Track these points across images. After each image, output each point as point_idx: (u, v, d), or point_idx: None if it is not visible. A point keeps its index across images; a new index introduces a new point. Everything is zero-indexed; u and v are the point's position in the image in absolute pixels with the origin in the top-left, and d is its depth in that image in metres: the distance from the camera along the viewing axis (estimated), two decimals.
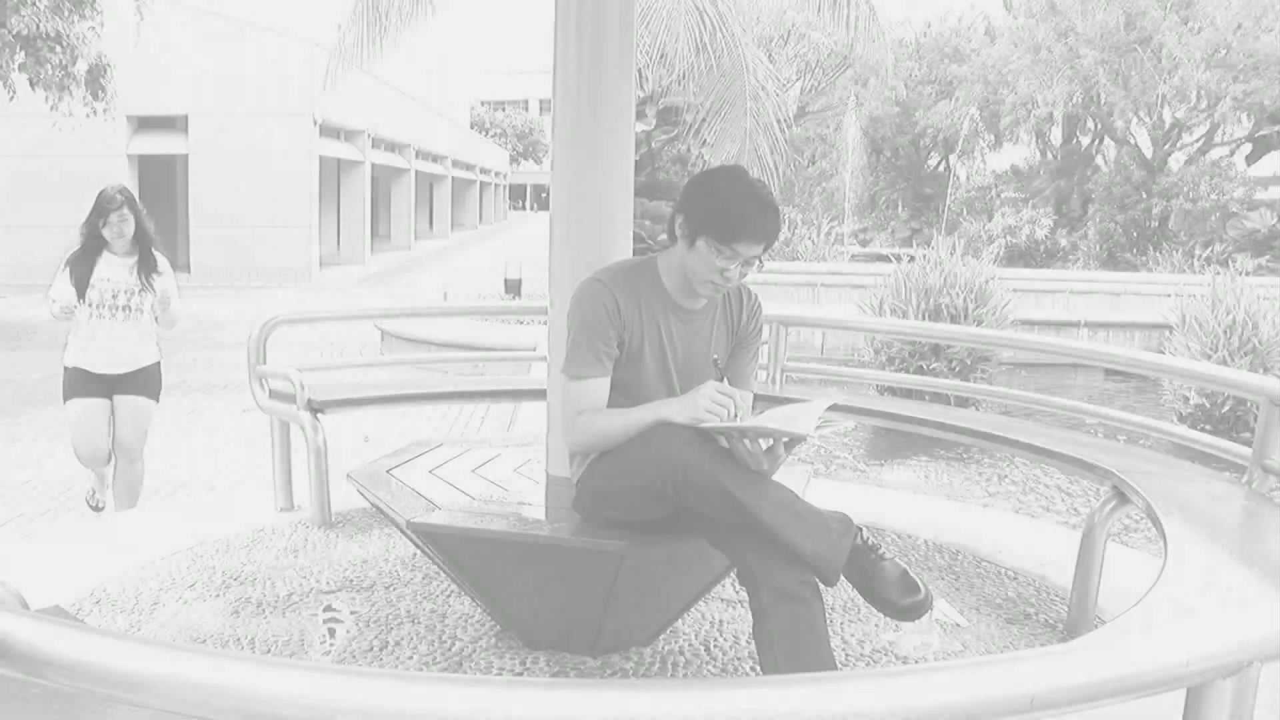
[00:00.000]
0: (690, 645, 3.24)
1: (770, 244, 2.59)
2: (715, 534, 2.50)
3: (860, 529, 2.44)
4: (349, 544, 4.16)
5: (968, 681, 1.19)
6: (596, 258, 3.07)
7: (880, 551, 2.42)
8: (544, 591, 2.99)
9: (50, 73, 12.29)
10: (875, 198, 35.63)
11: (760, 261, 2.62)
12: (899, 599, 2.37)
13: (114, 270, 4.97)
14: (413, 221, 32.38)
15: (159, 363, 5.22)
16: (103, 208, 4.94)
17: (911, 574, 2.39)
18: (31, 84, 12.53)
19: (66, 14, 12.03)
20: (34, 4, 11.45)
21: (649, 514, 2.63)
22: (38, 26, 11.50)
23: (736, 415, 2.50)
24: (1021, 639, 3.44)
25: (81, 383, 5.01)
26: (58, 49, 12.08)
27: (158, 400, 5.22)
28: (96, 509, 5.33)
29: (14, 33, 11.46)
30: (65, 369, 5.06)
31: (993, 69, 28.99)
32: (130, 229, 4.98)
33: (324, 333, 13.16)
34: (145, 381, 5.13)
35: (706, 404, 2.47)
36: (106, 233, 4.94)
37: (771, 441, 2.43)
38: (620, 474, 2.60)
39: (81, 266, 4.94)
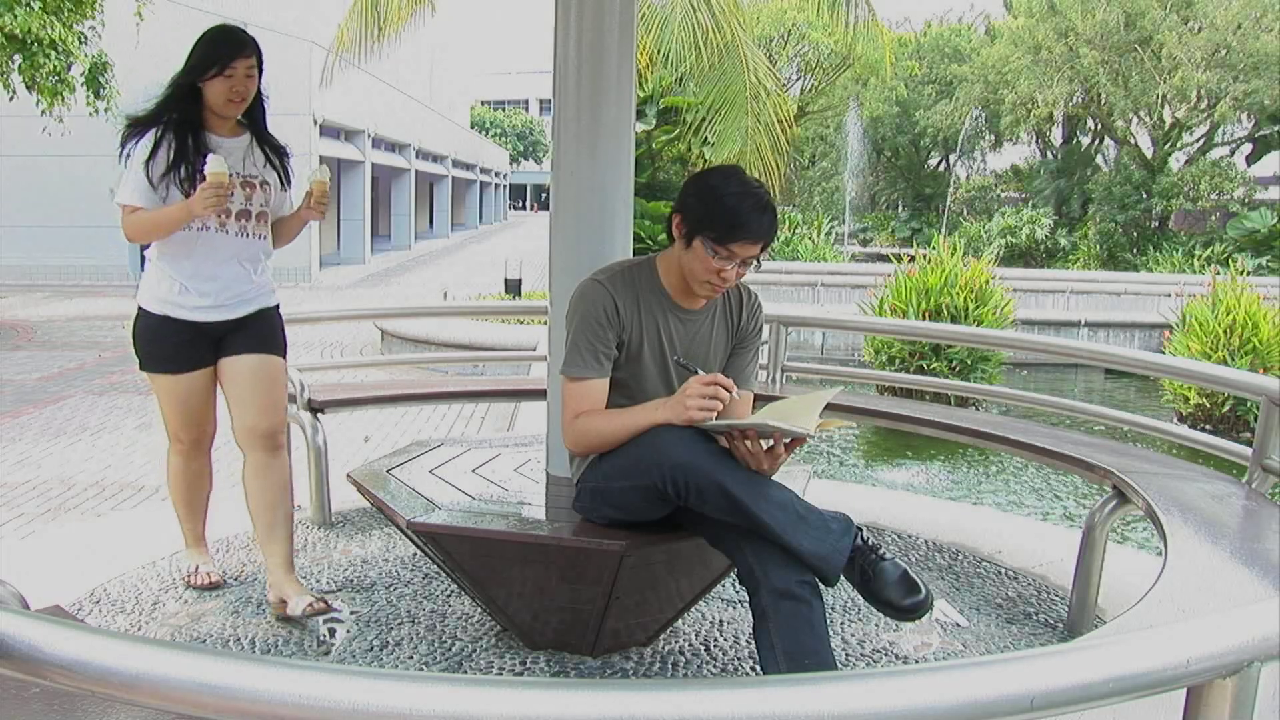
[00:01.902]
0: (690, 645, 3.24)
1: (767, 245, 2.59)
2: (715, 534, 2.50)
3: (860, 529, 2.44)
4: (349, 544, 4.17)
5: (967, 681, 1.19)
6: (596, 258, 3.07)
7: (880, 552, 2.41)
8: (544, 591, 2.99)
9: (44, 77, 12.28)
10: (875, 198, 35.69)
11: (758, 262, 2.61)
12: (899, 599, 2.36)
13: (230, 158, 3.23)
14: (413, 221, 32.37)
15: (279, 305, 3.57)
16: (223, 50, 3.18)
17: (912, 574, 2.38)
18: (27, 87, 12.51)
19: (65, 14, 12.02)
20: (28, 4, 11.42)
21: (649, 514, 2.63)
22: (30, 30, 11.46)
23: (731, 395, 2.48)
24: (1022, 639, 3.44)
25: (174, 343, 3.33)
26: (52, 54, 12.06)
27: (286, 356, 3.53)
28: (209, 585, 3.62)
29: (6, 33, 11.43)
30: (145, 316, 3.34)
31: (993, 69, 29.01)
32: (254, 90, 3.29)
33: (324, 333, 13.17)
34: (267, 330, 3.45)
35: (695, 403, 2.44)
36: (218, 91, 3.19)
37: (772, 441, 2.42)
38: (620, 474, 2.59)
39: (186, 146, 3.21)
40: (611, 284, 2.69)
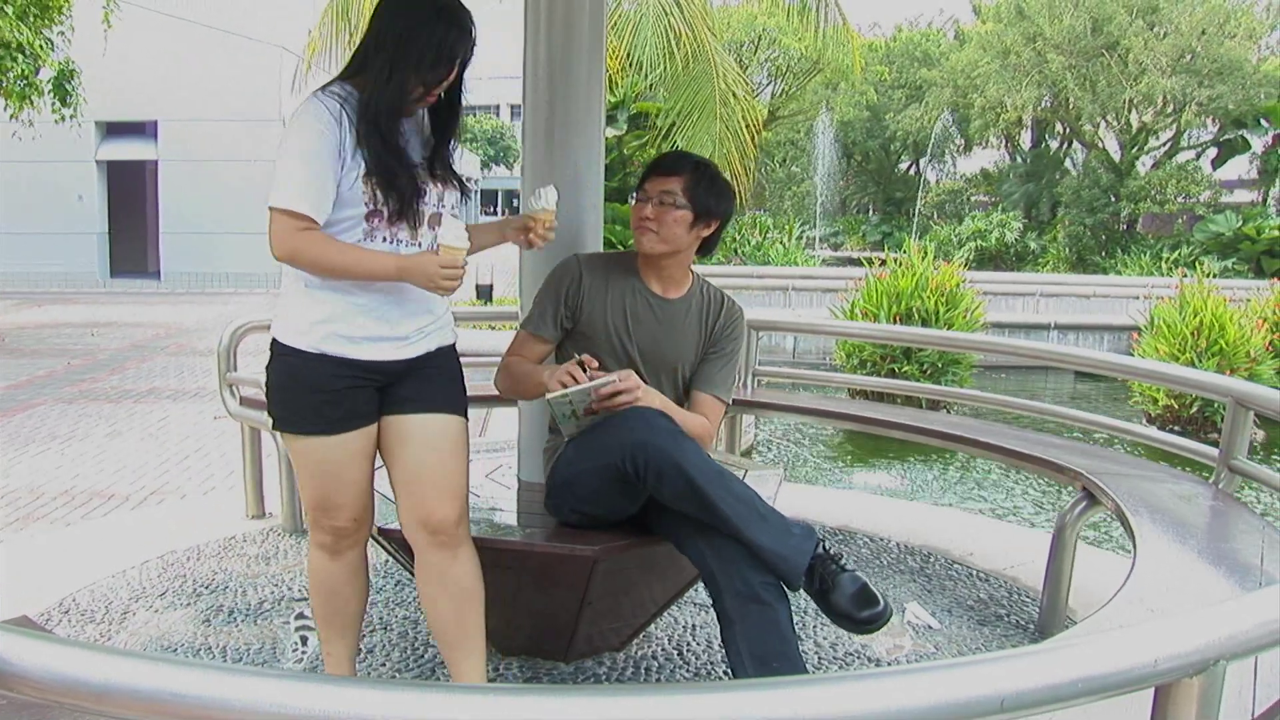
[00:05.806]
0: (663, 650, 3.25)
1: (677, 177, 2.76)
2: (680, 536, 2.50)
3: (822, 540, 2.42)
4: None
5: (938, 684, 1.20)
6: None
7: (842, 562, 2.37)
8: (517, 597, 2.98)
9: (11, 82, 12.16)
10: (846, 202, 35.82)
11: (684, 204, 2.74)
12: (855, 612, 2.30)
13: (413, 147, 2.41)
14: None
15: (456, 344, 2.65)
16: (457, 45, 2.31)
17: (871, 587, 2.33)
18: None
19: (32, 20, 11.90)
20: (2, 9, 11.30)
21: (616, 505, 2.62)
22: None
23: (588, 372, 2.61)
24: (993, 640, 3.46)
25: (327, 393, 2.38)
26: (20, 58, 11.95)
27: (467, 416, 2.59)
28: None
29: None
30: (290, 356, 2.39)
31: (962, 73, 29.18)
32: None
33: None
34: (445, 378, 2.55)
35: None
36: (446, 64, 2.32)
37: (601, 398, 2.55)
38: (585, 457, 2.59)
39: (385, 128, 2.29)
40: (587, 260, 2.88)
